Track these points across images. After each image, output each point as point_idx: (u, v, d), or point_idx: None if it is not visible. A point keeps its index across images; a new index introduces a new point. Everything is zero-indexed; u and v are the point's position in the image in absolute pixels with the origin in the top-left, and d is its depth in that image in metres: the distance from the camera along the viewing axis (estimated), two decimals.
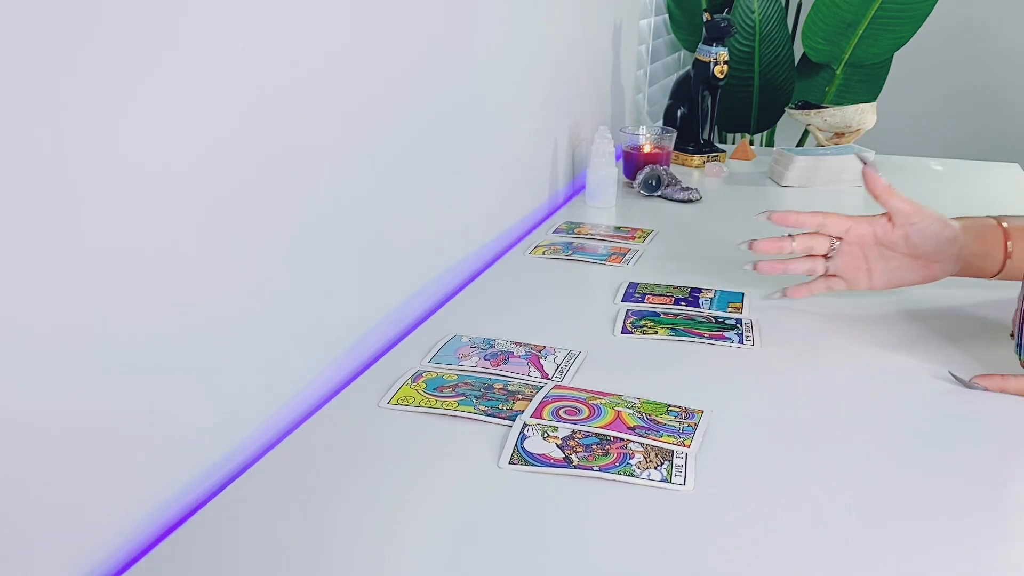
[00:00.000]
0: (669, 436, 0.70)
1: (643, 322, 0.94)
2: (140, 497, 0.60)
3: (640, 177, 1.48)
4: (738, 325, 0.93)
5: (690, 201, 1.45)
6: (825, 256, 0.96)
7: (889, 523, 0.61)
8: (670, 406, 0.75)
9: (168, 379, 0.61)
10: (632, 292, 1.03)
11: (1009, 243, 0.92)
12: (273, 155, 0.70)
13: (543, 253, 1.18)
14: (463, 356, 0.84)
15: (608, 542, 0.59)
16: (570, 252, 1.18)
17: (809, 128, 1.76)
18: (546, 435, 0.69)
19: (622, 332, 0.91)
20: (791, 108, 1.76)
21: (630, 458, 0.66)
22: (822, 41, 2.17)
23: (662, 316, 0.95)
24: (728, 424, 0.73)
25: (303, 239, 0.76)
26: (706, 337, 0.90)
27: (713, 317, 0.95)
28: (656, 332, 0.91)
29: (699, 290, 1.03)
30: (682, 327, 0.92)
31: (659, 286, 1.04)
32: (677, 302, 0.99)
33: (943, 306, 1.00)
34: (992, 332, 0.92)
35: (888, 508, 0.63)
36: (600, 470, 0.65)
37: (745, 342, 0.89)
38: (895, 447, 0.72)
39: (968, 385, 0.80)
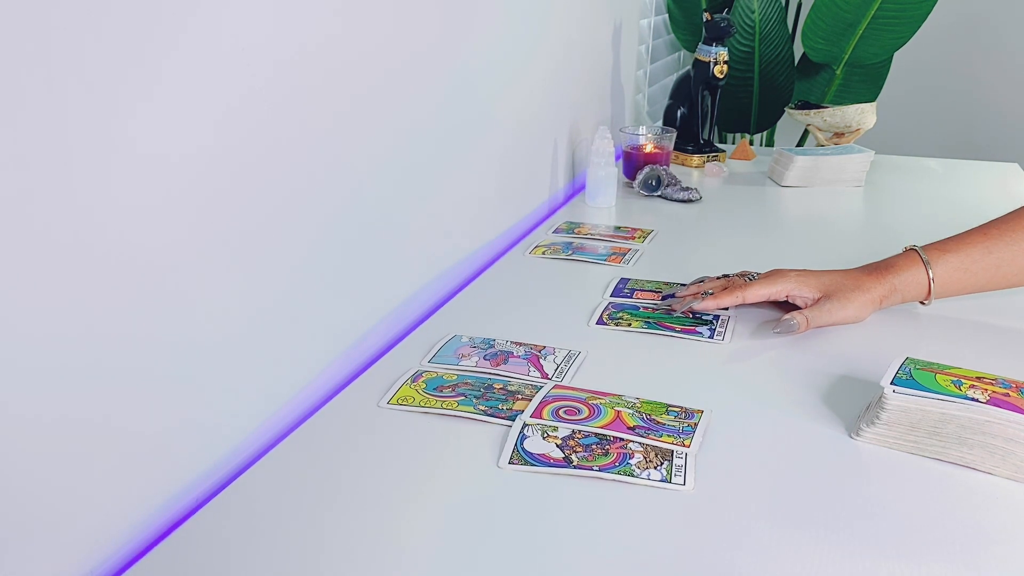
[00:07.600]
0: (669, 436, 0.70)
1: (620, 314, 0.95)
2: (140, 497, 0.60)
3: (640, 177, 1.48)
4: (713, 321, 0.94)
5: (690, 201, 1.45)
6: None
7: (889, 521, 0.61)
8: (670, 406, 0.75)
9: (168, 379, 0.61)
10: (622, 288, 1.04)
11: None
12: (270, 155, 0.70)
13: (543, 253, 1.18)
14: (463, 356, 0.84)
15: (608, 542, 0.59)
16: (570, 252, 1.18)
17: (809, 128, 1.76)
18: (546, 435, 0.69)
19: (597, 323, 0.93)
20: (791, 108, 1.76)
21: (630, 458, 0.66)
22: (822, 41, 2.17)
23: (640, 310, 0.97)
24: (721, 423, 0.73)
25: (302, 239, 0.76)
26: (678, 331, 0.91)
27: (691, 312, 0.96)
28: (630, 324, 0.93)
29: (686, 286, 1.03)
30: (656, 320, 0.94)
31: (649, 282, 1.05)
32: (664, 298, 0.99)
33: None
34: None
35: (886, 505, 0.63)
36: (600, 470, 0.65)
37: (715, 337, 0.90)
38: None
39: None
